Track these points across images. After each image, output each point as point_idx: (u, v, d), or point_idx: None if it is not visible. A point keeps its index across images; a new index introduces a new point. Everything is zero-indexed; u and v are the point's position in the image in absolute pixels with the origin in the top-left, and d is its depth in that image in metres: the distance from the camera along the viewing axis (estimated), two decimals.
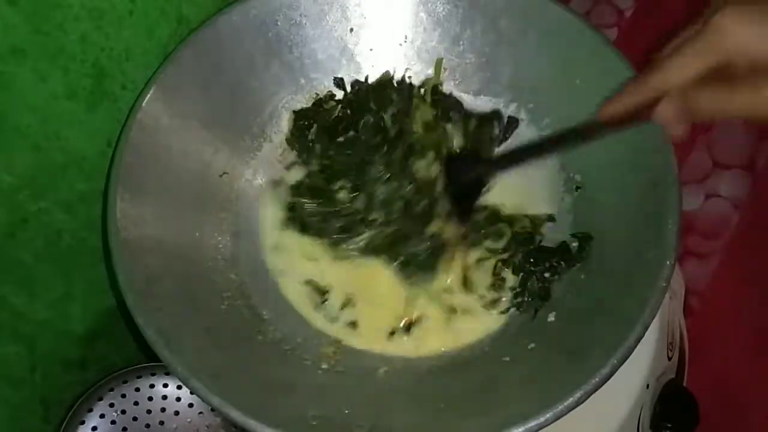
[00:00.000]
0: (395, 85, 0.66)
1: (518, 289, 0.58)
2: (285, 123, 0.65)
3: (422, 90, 0.66)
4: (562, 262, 0.58)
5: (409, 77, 0.66)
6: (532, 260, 0.58)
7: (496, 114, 0.64)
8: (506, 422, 0.45)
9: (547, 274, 0.58)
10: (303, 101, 0.65)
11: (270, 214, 0.62)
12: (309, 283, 0.60)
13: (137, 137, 0.55)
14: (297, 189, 0.63)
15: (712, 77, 0.38)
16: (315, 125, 0.64)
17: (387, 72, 0.66)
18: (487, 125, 0.64)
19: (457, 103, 0.65)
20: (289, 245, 0.61)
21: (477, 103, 0.65)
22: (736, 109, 0.37)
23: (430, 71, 0.66)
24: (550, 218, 0.61)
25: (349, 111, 0.65)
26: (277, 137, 0.65)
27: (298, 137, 0.65)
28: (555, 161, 0.62)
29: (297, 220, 0.62)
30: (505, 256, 0.60)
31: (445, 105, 0.65)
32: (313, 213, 0.61)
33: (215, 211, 0.61)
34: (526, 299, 0.58)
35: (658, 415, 0.59)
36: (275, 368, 0.54)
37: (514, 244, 0.60)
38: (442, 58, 0.65)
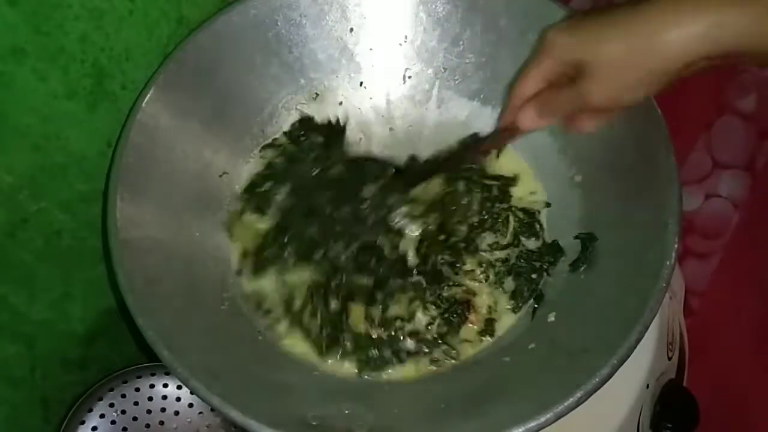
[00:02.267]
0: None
1: (509, 293, 0.58)
2: (285, 123, 0.65)
3: None
4: (547, 264, 0.58)
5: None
6: (522, 261, 0.59)
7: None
8: (506, 422, 0.45)
9: (534, 275, 0.58)
10: (303, 101, 0.65)
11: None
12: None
13: (137, 137, 0.55)
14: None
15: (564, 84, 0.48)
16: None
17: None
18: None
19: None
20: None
21: (475, 103, 0.66)
22: (568, 105, 0.49)
23: (430, 71, 0.66)
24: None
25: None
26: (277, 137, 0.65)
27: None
28: (555, 162, 0.62)
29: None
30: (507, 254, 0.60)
31: None
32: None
33: (215, 212, 0.61)
34: (519, 303, 0.58)
35: (658, 415, 0.59)
36: (275, 368, 0.54)
37: (518, 235, 0.60)
38: None
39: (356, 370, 0.56)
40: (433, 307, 0.58)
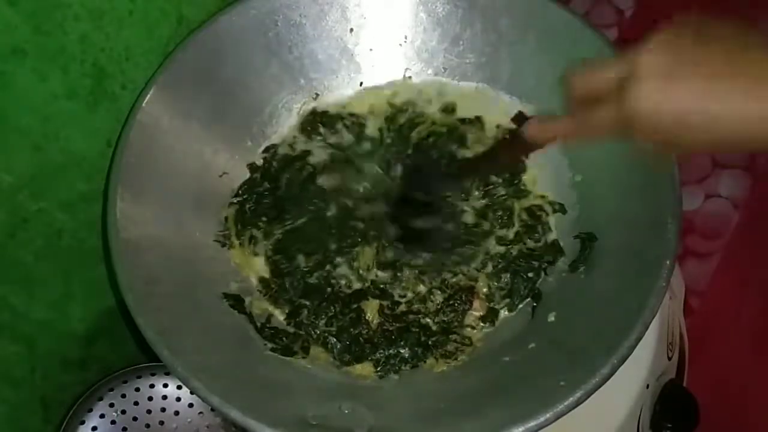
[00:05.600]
0: None
1: (506, 290, 0.58)
2: (285, 123, 0.65)
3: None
4: (546, 264, 0.58)
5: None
6: (521, 260, 0.59)
7: None
8: (506, 422, 0.45)
9: (531, 274, 0.58)
10: (303, 101, 0.65)
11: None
12: None
13: (137, 137, 0.55)
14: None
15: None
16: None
17: None
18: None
19: None
20: None
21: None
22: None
23: (430, 71, 0.66)
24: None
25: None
26: (277, 137, 0.65)
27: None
28: (555, 162, 0.62)
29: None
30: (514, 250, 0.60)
31: None
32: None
33: (215, 212, 0.61)
34: (515, 301, 0.58)
35: (658, 415, 0.59)
36: (275, 368, 0.54)
37: (521, 234, 0.60)
38: None
39: (378, 374, 0.56)
40: (439, 292, 0.58)
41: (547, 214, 0.61)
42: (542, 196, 0.61)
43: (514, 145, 0.53)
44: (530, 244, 0.60)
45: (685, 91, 0.37)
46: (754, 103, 0.36)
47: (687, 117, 0.37)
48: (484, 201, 0.61)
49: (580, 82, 0.44)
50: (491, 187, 0.62)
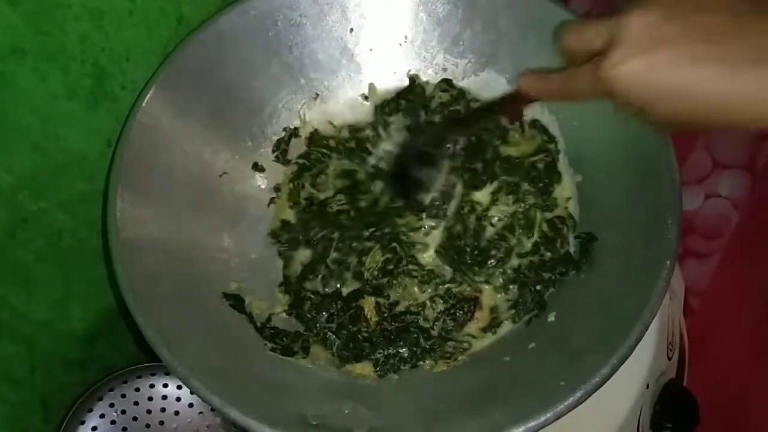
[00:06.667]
0: None
1: (512, 302, 0.57)
2: (284, 123, 0.65)
3: None
4: (557, 276, 0.57)
5: None
6: (530, 271, 0.58)
7: None
8: (506, 422, 0.45)
9: (539, 287, 0.57)
10: (303, 101, 0.65)
11: None
12: None
13: (137, 137, 0.55)
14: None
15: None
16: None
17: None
18: None
19: None
20: None
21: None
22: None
23: (430, 71, 0.66)
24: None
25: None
26: (277, 137, 0.65)
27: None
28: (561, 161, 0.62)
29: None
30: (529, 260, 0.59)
31: None
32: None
33: (215, 211, 0.61)
34: (520, 312, 0.57)
35: (658, 415, 0.59)
36: (275, 368, 0.54)
37: (538, 245, 0.59)
38: None
39: (378, 374, 0.55)
40: (441, 301, 0.58)
41: (568, 228, 0.59)
42: (567, 211, 0.60)
43: (510, 100, 0.52)
44: (546, 256, 0.58)
45: (664, 61, 0.35)
46: (745, 80, 0.34)
47: (663, 90, 0.36)
48: (511, 208, 0.60)
49: (572, 38, 0.42)
50: (522, 194, 0.60)
